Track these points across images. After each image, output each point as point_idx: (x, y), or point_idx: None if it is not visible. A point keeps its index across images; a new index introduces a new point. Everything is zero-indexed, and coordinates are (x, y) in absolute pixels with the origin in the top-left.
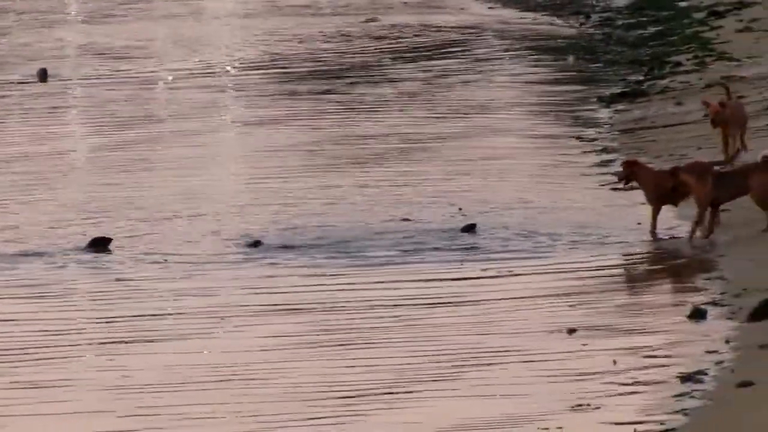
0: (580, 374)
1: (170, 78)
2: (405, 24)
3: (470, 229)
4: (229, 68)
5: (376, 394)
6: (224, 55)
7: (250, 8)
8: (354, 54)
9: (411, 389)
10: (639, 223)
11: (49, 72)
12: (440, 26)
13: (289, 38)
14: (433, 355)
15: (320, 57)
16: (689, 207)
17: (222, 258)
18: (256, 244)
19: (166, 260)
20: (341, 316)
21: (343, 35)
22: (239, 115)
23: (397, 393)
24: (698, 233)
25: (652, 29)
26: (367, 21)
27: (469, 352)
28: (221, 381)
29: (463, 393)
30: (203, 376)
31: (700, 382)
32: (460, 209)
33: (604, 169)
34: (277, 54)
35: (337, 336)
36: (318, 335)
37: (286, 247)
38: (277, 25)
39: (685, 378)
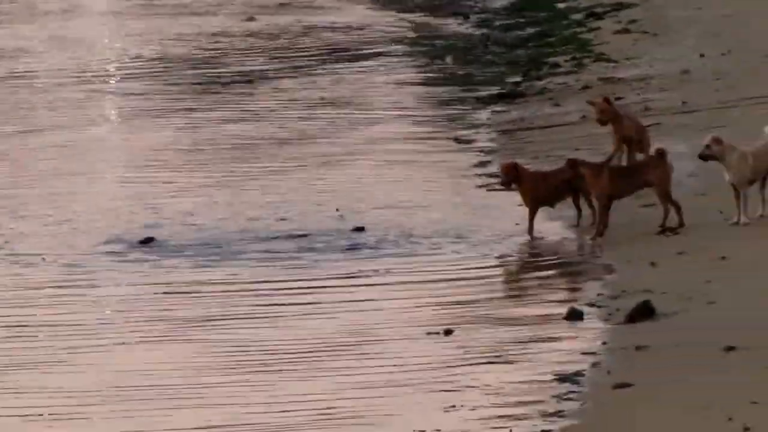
0: (456, 375)
1: (47, 78)
2: (285, 24)
3: (358, 231)
4: (108, 67)
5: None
6: (103, 54)
7: (127, 7)
8: (234, 54)
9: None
10: (517, 224)
11: None
12: (320, 27)
13: (167, 38)
14: (312, 356)
15: (199, 57)
16: (566, 208)
17: (107, 257)
18: (146, 241)
19: (44, 259)
20: (224, 323)
21: (221, 34)
22: (119, 115)
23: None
24: (592, 233)
25: (530, 30)
26: (246, 20)
27: (347, 352)
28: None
29: (338, 395)
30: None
31: (577, 383)
32: (337, 210)
33: (482, 170)
34: (155, 53)
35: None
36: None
37: (172, 247)
38: (154, 24)
39: (562, 379)
